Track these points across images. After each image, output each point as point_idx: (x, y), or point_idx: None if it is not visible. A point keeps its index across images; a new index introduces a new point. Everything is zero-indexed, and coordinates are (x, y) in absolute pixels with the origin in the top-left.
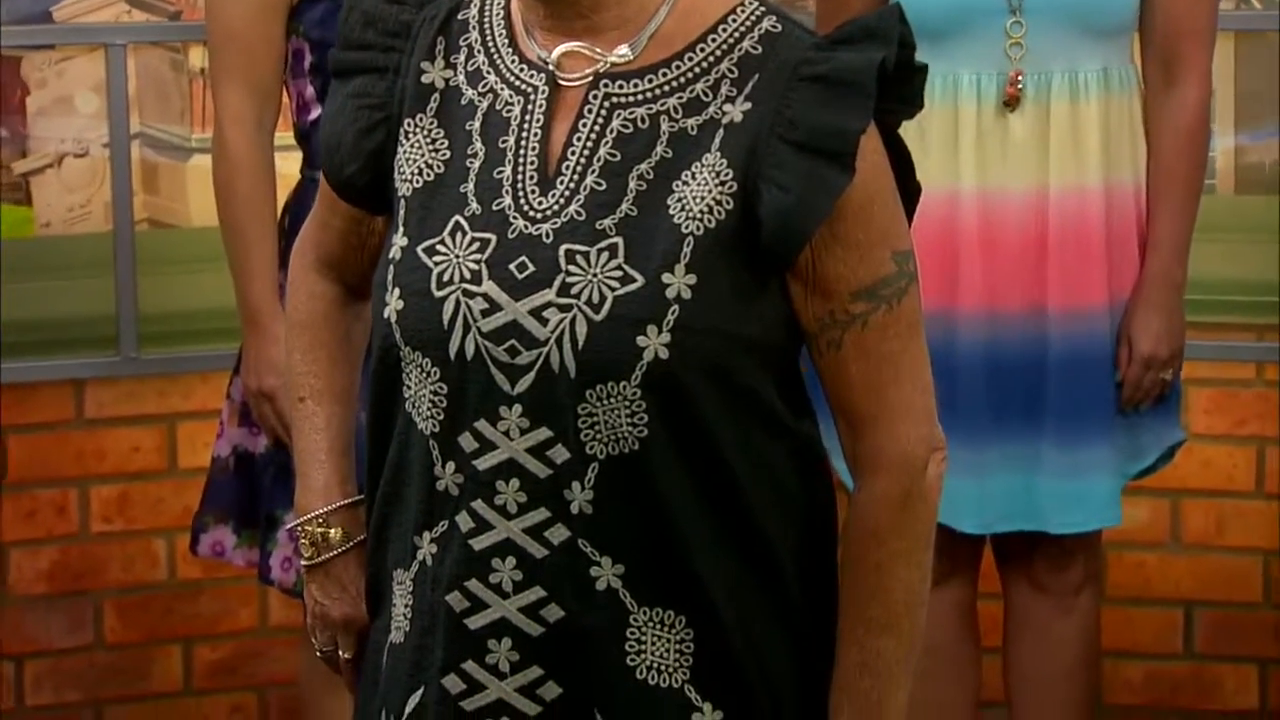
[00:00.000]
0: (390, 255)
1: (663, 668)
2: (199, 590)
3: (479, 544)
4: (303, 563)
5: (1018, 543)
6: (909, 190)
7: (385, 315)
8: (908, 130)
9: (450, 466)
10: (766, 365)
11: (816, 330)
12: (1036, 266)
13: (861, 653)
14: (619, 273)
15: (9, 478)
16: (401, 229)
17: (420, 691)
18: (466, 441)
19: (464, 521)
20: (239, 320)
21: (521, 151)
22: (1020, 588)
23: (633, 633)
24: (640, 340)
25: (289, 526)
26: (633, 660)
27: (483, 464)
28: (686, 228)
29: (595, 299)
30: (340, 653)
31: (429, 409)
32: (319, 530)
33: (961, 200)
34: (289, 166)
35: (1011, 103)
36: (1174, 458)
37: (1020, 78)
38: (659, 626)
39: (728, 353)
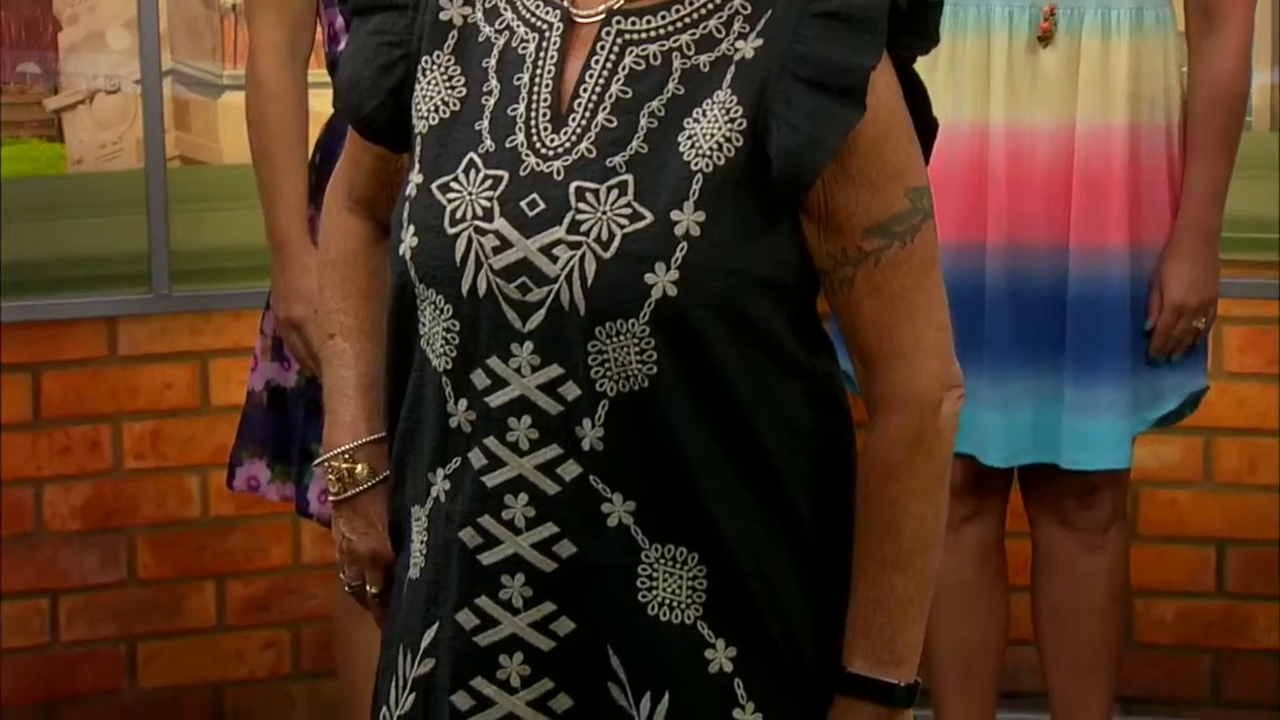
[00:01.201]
0: (406, 192)
1: (675, 604)
2: (231, 527)
3: (491, 480)
4: (330, 498)
5: (1045, 479)
6: (925, 126)
7: (400, 252)
8: (940, 61)
9: (463, 403)
10: (778, 303)
11: (829, 268)
12: (1060, 203)
13: (874, 590)
14: (628, 210)
15: (42, 415)
16: (418, 166)
17: (435, 627)
18: (479, 378)
19: (476, 458)
20: (268, 257)
21: (535, 89)
22: (1048, 525)
23: (644, 569)
24: (648, 278)
25: (316, 462)
26: (644, 596)
27: (495, 401)
28: (696, 165)
29: (604, 236)
30: (368, 587)
31: (442, 346)
32: (345, 466)
33: (990, 133)
34: (322, 104)
35: (1045, 37)
36: (1198, 406)
37: (1054, 12)
38: (671, 563)
39: (737, 290)
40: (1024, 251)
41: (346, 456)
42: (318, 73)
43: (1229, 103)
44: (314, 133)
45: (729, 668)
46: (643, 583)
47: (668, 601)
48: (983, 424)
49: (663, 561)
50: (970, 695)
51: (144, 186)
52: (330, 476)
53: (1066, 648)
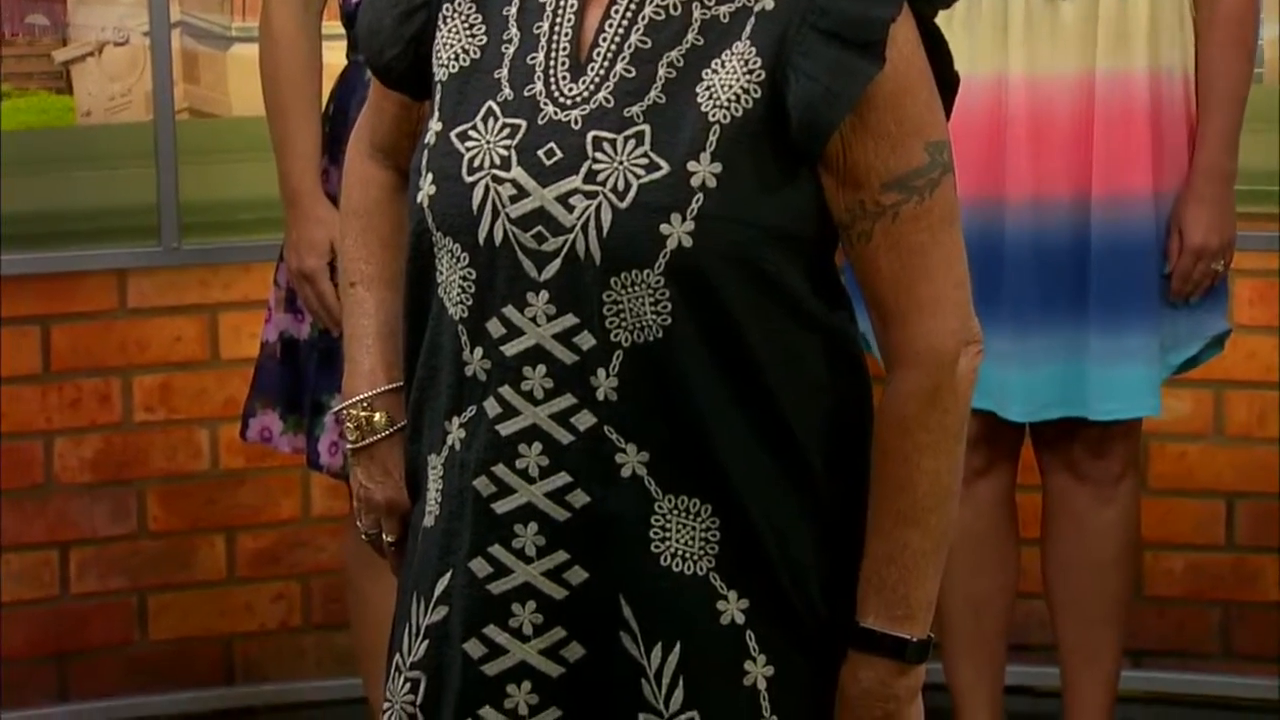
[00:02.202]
0: (425, 140)
1: (688, 555)
2: (241, 480)
3: (506, 429)
4: (348, 446)
5: (1057, 432)
6: (946, 81)
7: (418, 200)
8: (956, 15)
9: (478, 352)
10: (794, 255)
11: (847, 222)
12: (1082, 153)
13: (888, 545)
14: (645, 160)
15: (53, 367)
16: (437, 114)
17: (448, 575)
18: (494, 327)
19: (491, 407)
20: (281, 206)
21: (555, 37)
22: (1060, 477)
23: (657, 520)
24: (664, 228)
25: (335, 410)
26: (657, 547)
27: (510, 350)
28: (714, 116)
29: (620, 186)
30: (384, 536)
31: (458, 294)
32: (363, 414)
33: (1010, 86)
34: (336, 55)
35: None
36: (1223, 348)
37: None
38: (684, 514)
39: (753, 242)
40: (1046, 205)
41: (365, 405)
42: (331, 24)
43: (1239, 46)
44: (327, 84)
45: (741, 619)
46: (655, 534)
47: (680, 553)
48: (1003, 380)
49: (676, 513)
50: (980, 648)
51: (153, 139)
52: (348, 425)
53: (1076, 600)
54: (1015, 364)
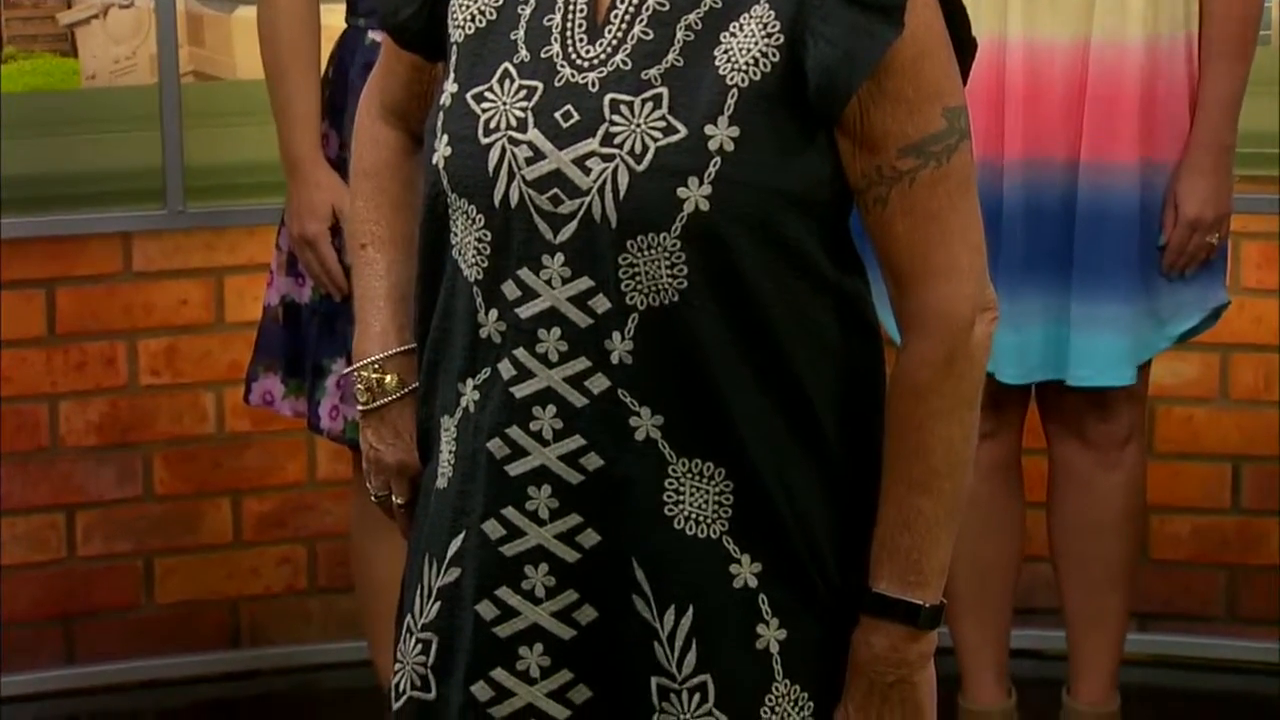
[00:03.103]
0: (441, 101)
1: (701, 519)
2: (247, 443)
3: (520, 391)
4: (359, 408)
5: (1062, 396)
6: (964, 45)
7: (434, 161)
8: None
9: (493, 314)
10: (810, 220)
11: (864, 186)
12: (1074, 118)
13: (901, 511)
14: (662, 123)
15: (58, 330)
16: (453, 75)
17: (461, 536)
18: (509, 289)
19: (506, 369)
20: (282, 175)
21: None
22: (1065, 441)
23: (671, 483)
24: (681, 191)
25: (346, 371)
26: (670, 510)
27: (525, 312)
28: (731, 79)
29: (637, 149)
30: (394, 498)
31: (474, 256)
32: (374, 376)
33: (1008, 49)
34: (334, 18)
35: None
36: (1219, 320)
37: None
38: (697, 478)
39: (769, 206)
40: (1039, 166)
41: (376, 367)
42: None
43: (1244, 16)
44: (326, 48)
45: (754, 583)
46: (669, 497)
47: (693, 516)
48: (997, 341)
49: (689, 476)
50: (986, 612)
51: (158, 102)
52: (359, 386)
53: (1082, 564)
54: (1007, 325)
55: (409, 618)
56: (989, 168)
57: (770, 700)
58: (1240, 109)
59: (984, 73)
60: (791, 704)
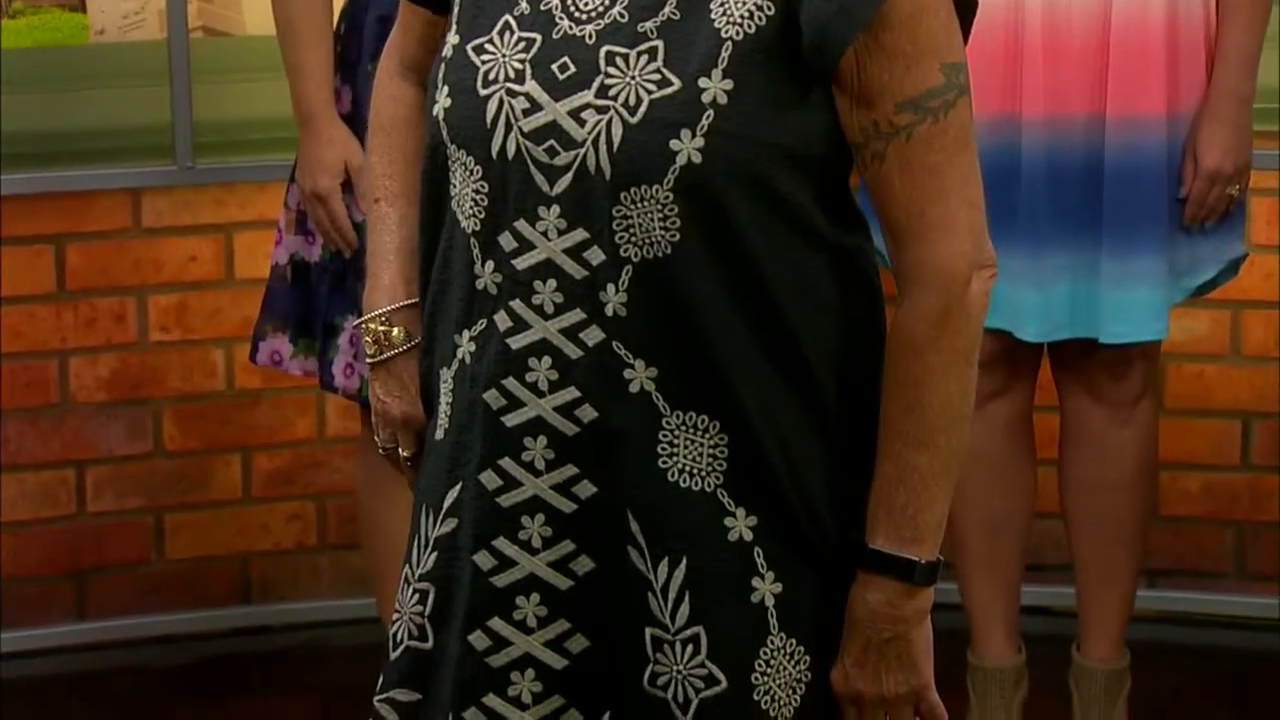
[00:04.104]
0: (443, 53)
1: (695, 471)
2: (257, 400)
3: (516, 343)
4: (367, 360)
5: (1076, 353)
6: (965, 3)
7: (434, 113)
8: None
9: (490, 265)
10: (805, 175)
11: (861, 142)
12: (1098, 72)
13: (897, 467)
14: (657, 76)
15: (67, 286)
16: (455, 26)
17: (458, 487)
18: (506, 241)
19: (502, 320)
20: (293, 129)
21: None
22: (1078, 398)
23: (665, 435)
24: (673, 144)
25: (355, 324)
26: (665, 463)
27: (521, 263)
28: (726, 33)
29: (632, 101)
30: (400, 450)
31: (471, 208)
32: (382, 329)
33: (1025, 7)
34: None
35: None
36: (1238, 272)
37: None
38: (692, 430)
39: (762, 160)
40: (1061, 124)
41: (383, 319)
42: None
43: None
44: (338, 3)
45: (749, 536)
46: (663, 449)
47: (688, 468)
48: (1019, 299)
49: (683, 429)
50: (996, 568)
51: (166, 57)
52: (367, 339)
53: (1093, 521)
54: (1030, 283)
55: (406, 568)
56: (1008, 125)
57: (765, 653)
58: (1259, 59)
59: (1001, 31)
60: (787, 657)
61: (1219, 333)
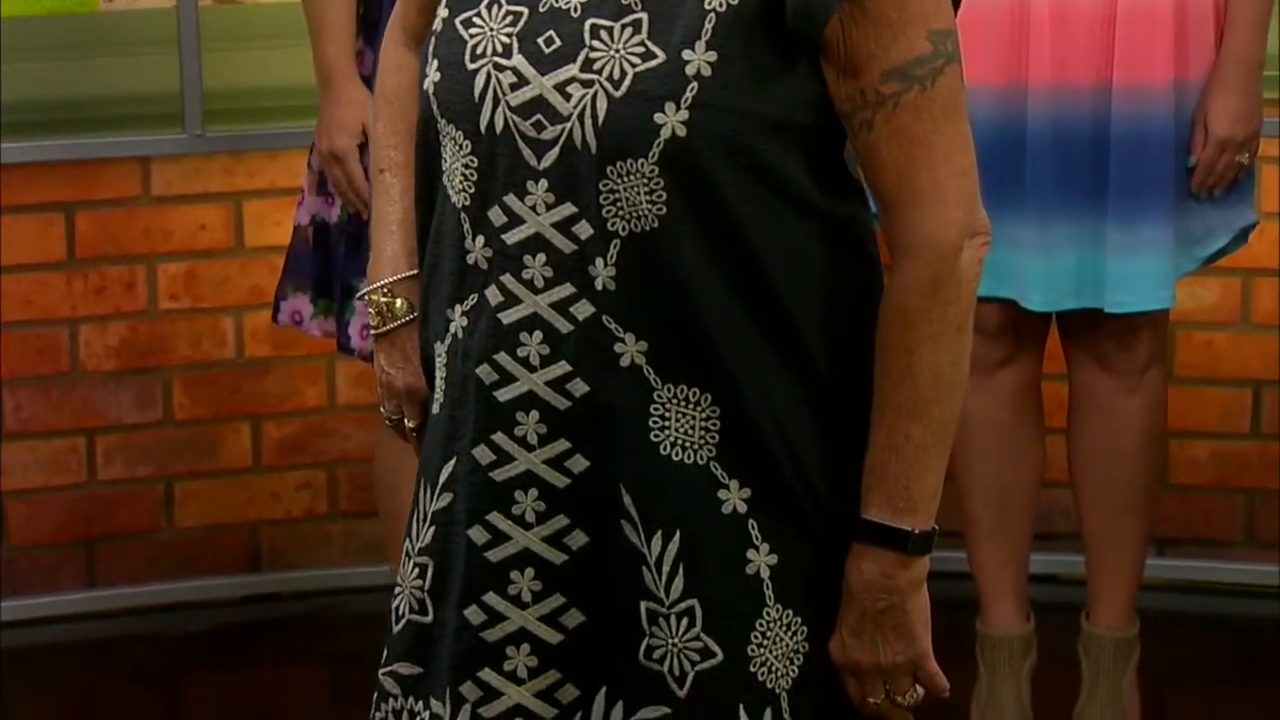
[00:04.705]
0: (434, 27)
1: (687, 444)
2: (266, 368)
3: (507, 317)
4: (370, 331)
5: (1084, 321)
6: None
7: (424, 87)
8: None
9: (480, 240)
10: (794, 145)
11: (849, 111)
12: (1104, 40)
13: (890, 437)
14: (641, 49)
15: (77, 254)
16: (445, 0)
17: (453, 462)
18: (495, 215)
19: (493, 295)
20: (306, 93)
21: None
22: (1086, 367)
23: (657, 409)
24: (658, 118)
25: (358, 295)
26: (657, 436)
27: (511, 238)
28: (709, 4)
29: (616, 75)
30: (405, 421)
31: (461, 182)
32: (384, 300)
33: None
34: None
35: None
36: (1248, 240)
37: None
38: (683, 404)
39: (748, 132)
40: (1067, 92)
41: (385, 290)
42: None
43: None
44: None
45: (743, 508)
46: (655, 422)
47: (680, 441)
48: (1025, 268)
49: (675, 402)
50: (1004, 537)
51: (176, 25)
52: (370, 310)
53: (1102, 490)
54: (1036, 252)
55: (407, 542)
56: (1014, 94)
57: (761, 625)
58: (1269, 26)
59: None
60: (784, 629)
61: (1229, 301)
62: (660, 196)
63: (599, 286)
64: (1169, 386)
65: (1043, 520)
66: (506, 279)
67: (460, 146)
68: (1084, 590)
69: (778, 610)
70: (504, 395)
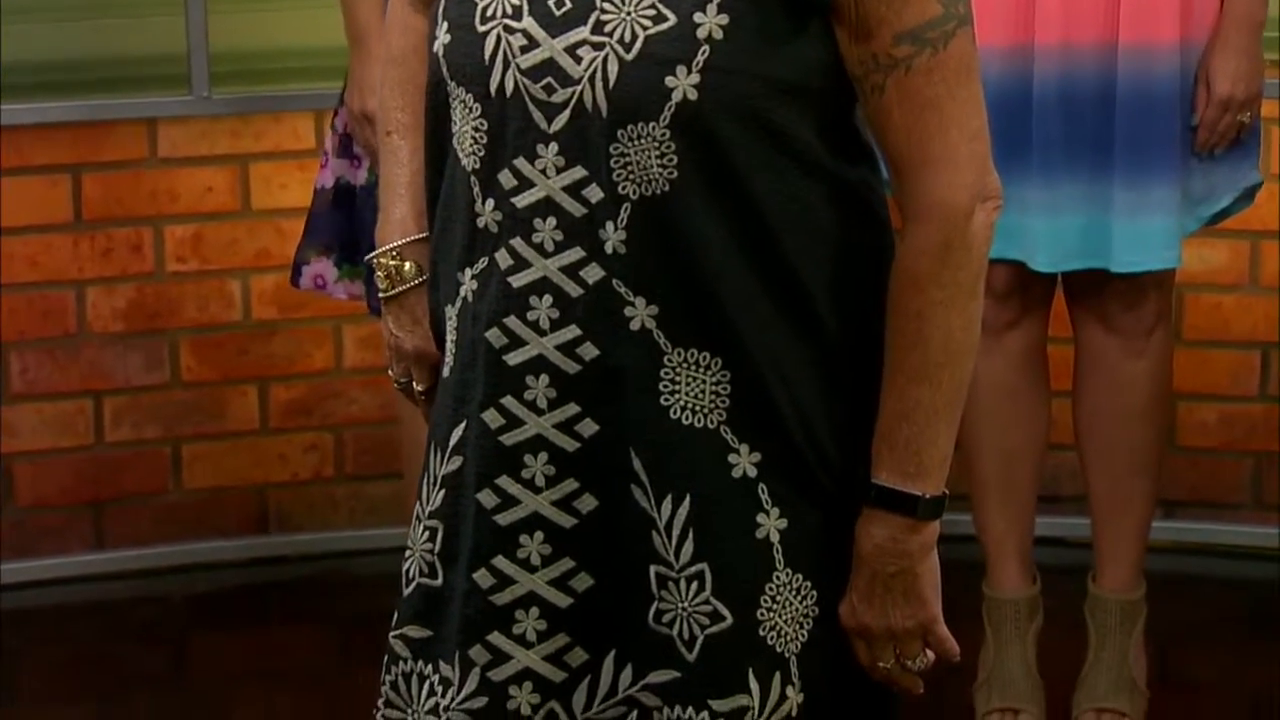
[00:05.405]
0: None
1: (698, 408)
2: (273, 331)
3: (517, 281)
4: (379, 295)
5: (1088, 283)
6: None
7: (434, 49)
8: None
9: (490, 203)
10: (804, 109)
11: (860, 75)
12: (1110, 1)
13: (901, 402)
14: (652, 11)
15: (84, 216)
16: None
17: (462, 425)
18: (505, 179)
19: (503, 258)
20: (310, 58)
21: None
22: (1091, 329)
23: (667, 373)
24: (669, 81)
25: (367, 258)
26: (667, 400)
27: (521, 201)
28: None
29: (627, 38)
30: (415, 385)
31: (471, 145)
32: (394, 263)
33: None
34: None
35: None
36: (1253, 200)
37: None
38: (694, 368)
39: (759, 95)
40: (1074, 52)
41: (395, 254)
42: None
43: None
44: None
45: (753, 473)
46: (665, 386)
47: (690, 406)
48: (1031, 229)
49: (685, 366)
50: (1010, 499)
51: None
52: (379, 274)
53: (1108, 452)
54: (1042, 212)
55: (417, 505)
56: (1021, 55)
57: (771, 589)
58: None
59: None
60: (794, 593)
61: (1237, 263)
62: (671, 160)
63: (609, 250)
64: (1177, 349)
65: (1049, 483)
66: (516, 242)
67: (470, 109)
68: (1090, 553)
69: (787, 574)
70: (514, 359)
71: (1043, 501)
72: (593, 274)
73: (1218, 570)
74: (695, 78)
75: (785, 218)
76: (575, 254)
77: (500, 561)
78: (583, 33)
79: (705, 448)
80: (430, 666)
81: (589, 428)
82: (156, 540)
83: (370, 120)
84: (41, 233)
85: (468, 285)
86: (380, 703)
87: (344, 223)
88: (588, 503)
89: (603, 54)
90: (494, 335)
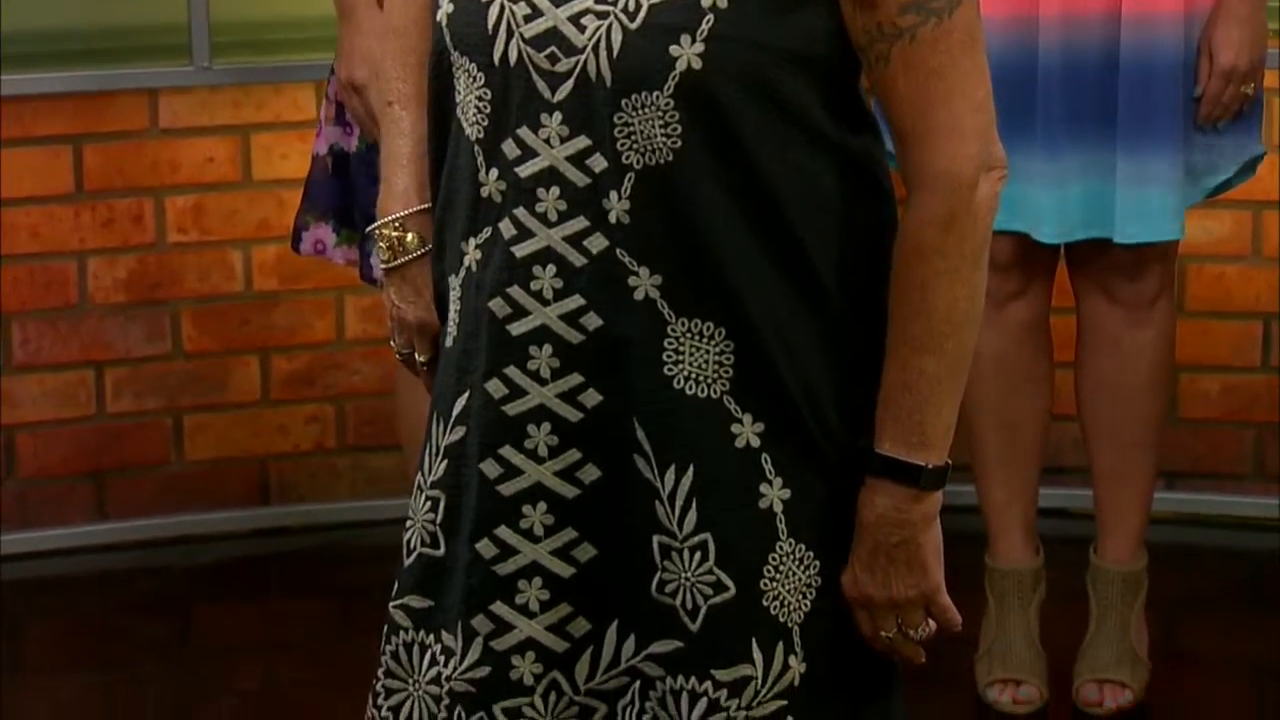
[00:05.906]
0: None
1: (701, 379)
2: (275, 301)
3: (520, 251)
4: (381, 265)
5: (1092, 254)
6: None
7: (438, 18)
8: None
9: (494, 173)
10: (809, 78)
11: (865, 45)
12: None
13: (904, 372)
14: None
15: (85, 186)
16: None
17: (466, 395)
18: (509, 148)
19: (506, 228)
20: (310, 29)
21: None
22: (1094, 300)
23: (670, 343)
24: (673, 50)
25: (369, 229)
26: (670, 370)
27: (524, 171)
28: None
29: (631, 7)
30: (416, 356)
31: (475, 115)
32: (396, 234)
33: None
34: None
35: None
36: (1255, 171)
37: None
38: (697, 338)
39: (764, 64)
40: (1077, 21)
41: (397, 224)
42: None
43: None
44: None
45: (756, 443)
46: (669, 356)
47: (693, 376)
48: (1035, 200)
49: (689, 336)
50: (1013, 470)
51: None
52: (381, 244)
53: (1110, 423)
54: (1047, 184)
55: (419, 475)
56: (1024, 25)
57: (774, 559)
58: None
59: None
60: (796, 563)
61: (1240, 234)
62: (675, 129)
63: (613, 220)
64: (1180, 320)
65: (1051, 454)
66: (520, 212)
67: (474, 79)
68: (1093, 524)
69: (790, 544)
70: (517, 329)
71: (1045, 473)
72: (596, 244)
73: (1219, 541)
74: (699, 47)
75: (789, 187)
76: (579, 224)
77: (503, 531)
78: (586, 2)
79: (708, 418)
80: (432, 636)
81: (592, 398)
82: (158, 511)
83: (358, 90)
84: (43, 203)
85: (471, 255)
86: (380, 672)
87: (339, 189)
88: (591, 473)
89: (606, 23)
90: (497, 305)
